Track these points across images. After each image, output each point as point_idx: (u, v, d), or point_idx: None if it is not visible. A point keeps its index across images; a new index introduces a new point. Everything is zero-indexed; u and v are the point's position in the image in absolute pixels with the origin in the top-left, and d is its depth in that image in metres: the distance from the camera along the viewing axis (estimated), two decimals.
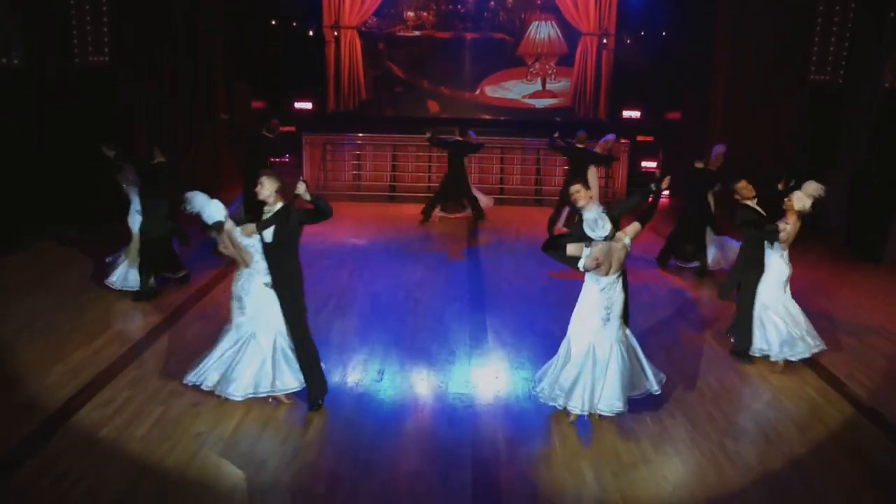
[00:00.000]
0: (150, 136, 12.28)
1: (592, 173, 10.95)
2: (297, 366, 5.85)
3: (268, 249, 5.68)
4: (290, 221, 5.61)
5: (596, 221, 5.36)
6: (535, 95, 16.03)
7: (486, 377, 6.66)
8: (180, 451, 5.29)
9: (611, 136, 11.16)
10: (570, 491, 5.02)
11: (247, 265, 5.78)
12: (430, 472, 5.18)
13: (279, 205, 5.67)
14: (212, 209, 5.61)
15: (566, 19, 15.56)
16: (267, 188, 5.65)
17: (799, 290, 8.77)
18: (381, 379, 6.51)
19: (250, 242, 5.72)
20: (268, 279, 5.76)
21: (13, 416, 5.67)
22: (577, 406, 5.64)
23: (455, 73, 15.94)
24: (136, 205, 8.27)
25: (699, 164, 9.83)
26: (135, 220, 8.25)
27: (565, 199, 9.99)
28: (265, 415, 5.80)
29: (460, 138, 12.22)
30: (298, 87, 15.93)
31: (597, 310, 5.63)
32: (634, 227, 5.66)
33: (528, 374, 6.67)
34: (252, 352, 5.80)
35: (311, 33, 16.00)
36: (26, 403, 5.87)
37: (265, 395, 5.83)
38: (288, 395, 5.95)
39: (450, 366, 6.83)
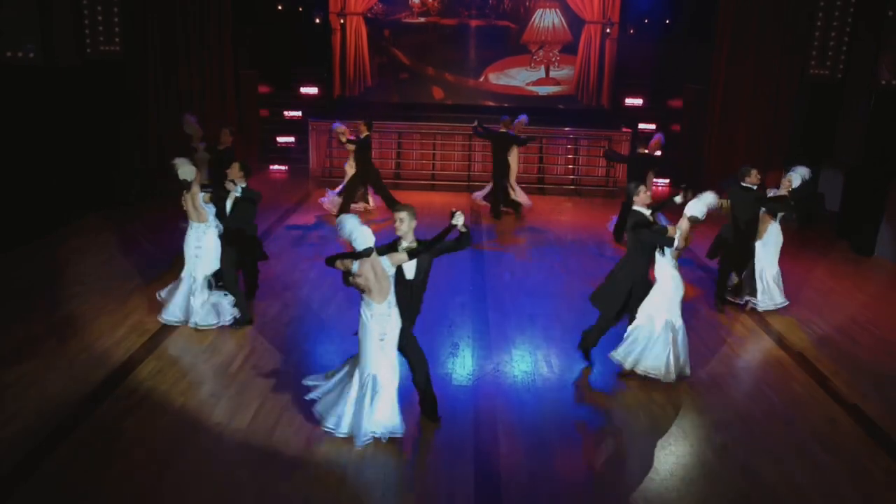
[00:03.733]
0: (161, 125, 12.55)
1: (513, 155, 12.35)
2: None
3: (404, 285, 5.59)
4: (432, 253, 5.63)
5: (704, 204, 6.43)
6: (538, 83, 16.21)
7: (489, 370, 6.97)
8: (200, 441, 5.63)
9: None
10: (567, 481, 5.36)
11: (380, 300, 5.46)
12: (433, 462, 5.51)
13: (414, 243, 5.58)
14: (363, 235, 5.32)
15: (570, 7, 15.71)
16: (406, 224, 5.55)
17: (792, 282, 9.11)
18: None
19: (392, 274, 5.51)
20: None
21: (42, 404, 5.99)
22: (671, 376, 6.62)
23: (459, 60, 16.12)
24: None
25: (642, 150, 10.90)
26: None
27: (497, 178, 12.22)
28: (280, 406, 6.13)
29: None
30: (304, 73, 16.14)
31: (678, 289, 6.57)
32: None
33: (529, 367, 7.01)
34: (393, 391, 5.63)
35: (317, 21, 16.17)
36: (55, 392, 6.19)
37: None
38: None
39: (453, 358, 7.14)
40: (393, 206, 10.95)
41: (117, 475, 5.18)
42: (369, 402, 5.50)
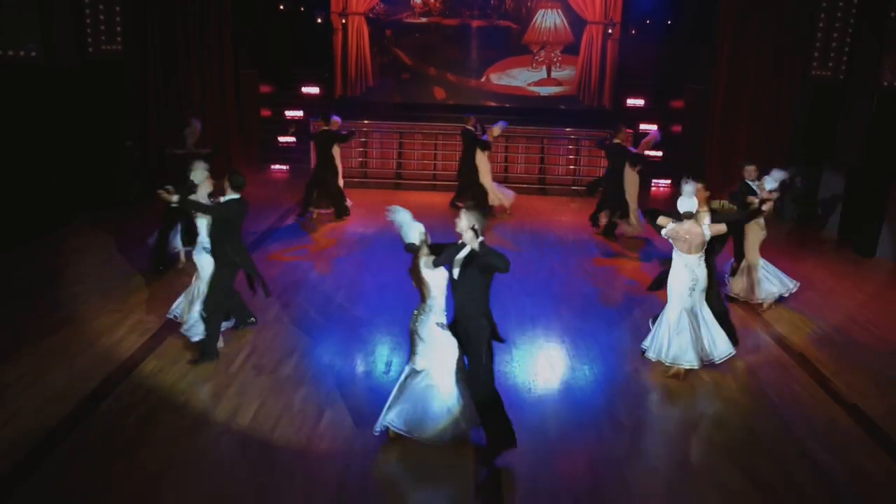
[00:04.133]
0: (161, 125, 12.56)
1: (480, 154, 12.28)
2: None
3: (452, 281, 5.35)
4: (475, 263, 5.19)
5: (689, 196, 6.55)
6: (540, 83, 16.20)
7: None
8: (200, 440, 5.64)
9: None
10: (567, 481, 5.36)
11: (423, 300, 5.48)
12: (433, 462, 5.50)
13: (478, 241, 5.14)
14: (411, 230, 5.37)
15: (572, 8, 15.70)
16: (463, 222, 5.17)
17: None
18: (389, 371, 6.82)
19: (432, 276, 5.38)
20: (442, 319, 5.46)
21: (42, 403, 5.99)
22: (693, 362, 6.72)
23: (461, 60, 16.12)
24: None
25: (618, 140, 11.11)
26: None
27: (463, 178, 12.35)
28: (280, 406, 6.13)
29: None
30: (305, 73, 16.16)
31: (685, 282, 6.70)
32: (719, 226, 6.71)
33: (529, 367, 7.01)
34: (432, 396, 5.50)
35: (318, 20, 16.20)
36: (55, 391, 6.19)
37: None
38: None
39: None
40: (304, 211, 11.68)
41: (117, 475, 5.18)
42: (397, 388, 5.58)
